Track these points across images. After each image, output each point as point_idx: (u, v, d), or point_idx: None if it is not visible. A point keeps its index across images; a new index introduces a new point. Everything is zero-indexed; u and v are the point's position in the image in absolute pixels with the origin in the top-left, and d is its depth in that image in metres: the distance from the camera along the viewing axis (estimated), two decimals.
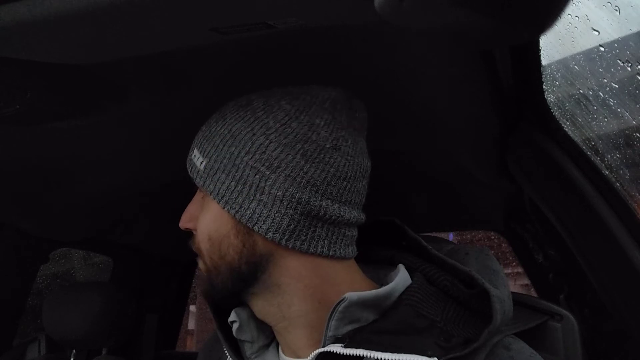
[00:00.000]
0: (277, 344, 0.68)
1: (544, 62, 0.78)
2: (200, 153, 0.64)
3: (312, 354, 0.59)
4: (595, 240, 0.81)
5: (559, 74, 0.93)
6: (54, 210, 1.26)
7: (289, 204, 0.59)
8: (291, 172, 0.59)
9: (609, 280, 0.81)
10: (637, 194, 0.85)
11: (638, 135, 0.94)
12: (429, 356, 0.54)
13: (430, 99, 0.85)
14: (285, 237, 0.59)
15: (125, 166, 1.11)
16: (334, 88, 0.66)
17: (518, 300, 0.66)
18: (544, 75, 0.81)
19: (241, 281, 0.62)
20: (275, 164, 0.59)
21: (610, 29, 0.84)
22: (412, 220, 0.76)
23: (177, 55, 0.64)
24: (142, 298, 1.76)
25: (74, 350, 1.38)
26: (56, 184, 1.15)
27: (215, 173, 0.62)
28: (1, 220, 1.29)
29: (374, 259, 0.70)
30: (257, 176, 0.60)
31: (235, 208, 0.60)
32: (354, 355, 0.56)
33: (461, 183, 1.24)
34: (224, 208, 0.61)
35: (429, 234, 0.77)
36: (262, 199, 0.59)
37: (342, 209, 0.61)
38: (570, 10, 0.41)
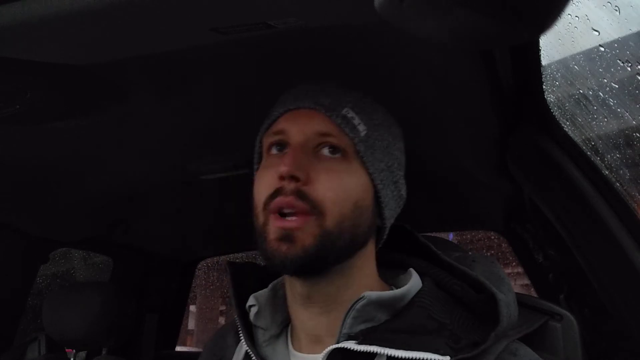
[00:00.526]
0: (286, 337, 0.69)
1: (544, 62, 0.77)
2: (360, 119, 0.64)
3: (325, 350, 0.60)
4: (595, 240, 0.81)
5: (559, 74, 0.93)
6: (54, 210, 1.26)
7: (401, 202, 0.69)
8: (404, 178, 0.70)
9: (609, 280, 0.81)
10: (637, 194, 0.85)
11: (638, 135, 0.95)
12: (442, 354, 0.55)
13: (430, 99, 0.85)
14: (387, 228, 0.67)
15: (125, 166, 1.11)
16: None
17: (518, 301, 0.66)
18: (544, 75, 0.81)
19: (349, 251, 0.63)
20: (403, 170, 0.70)
21: (610, 29, 0.84)
22: (413, 220, 0.76)
23: (177, 55, 0.64)
24: (142, 298, 1.76)
25: (74, 350, 1.38)
26: (56, 184, 1.15)
27: (376, 149, 0.65)
28: (1, 220, 1.29)
29: (383, 261, 0.71)
30: (397, 171, 0.68)
31: (383, 188, 0.65)
32: (367, 352, 0.57)
33: (461, 183, 1.24)
34: (369, 184, 0.64)
35: (429, 234, 0.77)
36: (394, 192, 0.67)
37: None
38: (570, 10, 0.41)
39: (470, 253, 0.74)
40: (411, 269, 0.67)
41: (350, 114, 0.63)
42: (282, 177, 0.59)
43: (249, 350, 0.66)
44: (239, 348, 0.70)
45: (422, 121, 0.93)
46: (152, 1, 0.49)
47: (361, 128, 0.63)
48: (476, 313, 0.62)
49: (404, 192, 0.70)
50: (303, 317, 0.66)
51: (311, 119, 0.63)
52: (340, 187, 0.61)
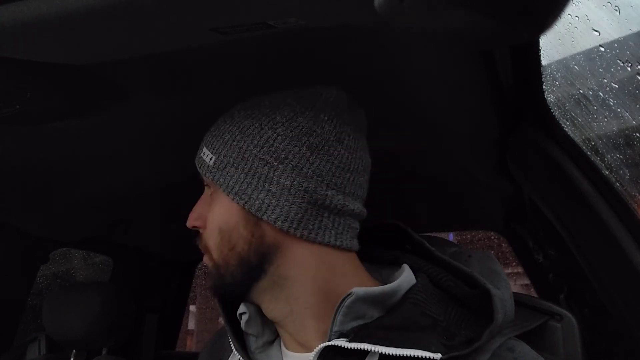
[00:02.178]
0: (280, 340, 0.69)
1: (544, 62, 0.77)
2: (210, 150, 0.66)
3: (317, 348, 0.59)
4: (595, 240, 0.81)
5: (559, 74, 0.93)
6: (54, 210, 1.26)
7: (296, 192, 0.61)
8: (298, 162, 0.62)
9: (609, 280, 0.81)
10: (637, 194, 0.85)
11: (638, 135, 0.94)
12: (433, 352, 0.54)
13: (430, 100, 0.85)
14: (294, 226, 0.62)
15: (125, 166, 1.11)
16: (336, 88, 0.69)
17: (518, 301, 0.66)
18: (544, 75, 0.81)
19: (250, 272, 0.63)
20: (283, 156, 0.62)
21: (610, 29, 0.84)
22: (413, 221, 0.76)
23: (177, 56, 0.64)
24: (142, 298, 1.75)
25: (74, 350, 1.38)
26: (56, 184, 1.15)
27: (225, 167, 0.64)
28: (1, 220, 1.29)
29: (378, 260, 0.71)
30: (265, 167, 0.62)
31: (244, 199, 0.62)
32: (359, 350, 0.57)
33: (461, 183, 1.24)
34: (233, 199, 0.63)
35: (429, 234, 0.77)
36: (271, 189, 0.62)
37: (346, 200, 0.64)
38: (570, 10, 0.41)
39: (465, 249, 0.73)
40: (405, 265, 0.66)
41: (203, 152, 0.68)
42: None
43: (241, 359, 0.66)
44: (233, 354, 0.69)
45: (422, 122, 0.93)
46: (152, 1, 0.49)
47: (208, 158, 0.66)
48: (471, 309, 0.61)
49: (289, 181, 0.61)
50: (282, 328, 0.67)
51: None
52: (208, 223, 0.66)
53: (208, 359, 0.79)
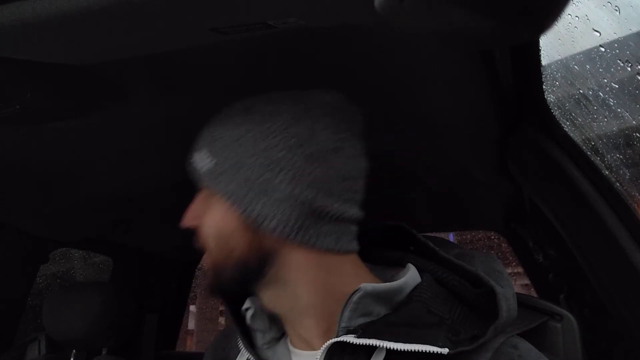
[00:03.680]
0: (287, 337, 0.69)
1: (544, 62, 0.78)
2: (205, 154, 0.65)
3: (325, 344, 0.59)
4: (595, 240, 0.81)
5: (559, 74, 0.93)
6: (54, 210, 1.26)
7: (294, 203, 0.61)
8: (296, 172, 0.61)
9: (609, 280, 0.81)
10: (637, 194, 0.85)
11: (638, 135, 0.95)
12: (440, 347, 0.55)
13: (430, 99, 0.85)
14: (293, 234, 0.61)
15: (125, 166, 1.11)
16: (332, 92, 0.68)
17: (518, 300, 0.66)
18: (544, 75, 0.81)
19: (249, 275, 0.64)
20: (280, 166, 0.61)
21: (610, 29, 0.85)
22: (413, 221, 0.76)
23: (177, 56, 0.64)
24: (142, 298, 1.76)
25: (74, 350, 1.38)
26: (56, 184, 1.15)
27: (222, 174, 0.63)
28: (1, 220, 1.29)
29: (381, 260, 0.71)
30: (263, 177, 0.61)
31: (242, 207, 0.62)
32: (366, 346, 0.57)
33: (461, 183, 1.24)
34: (231, 207, 0.62)
35: (430, 234, 0.77)
36: (269, 199, 0.61)
37: (344, 207, 0.63)
38: (570, 10, 0.41)
39: (469, 250, 0.74)
40: (410, 264, 0.67)
41: (197, 156, 0.66)
42: None
43: (250, 358, 0.67)
44: (242, 352, 0.70)
45: (422, 121, 0.93)
46: (152, 1, 0.49)
47: (205, 162, 0.64)
48: (475, 308, 0.62)
49: (288, 190, 0.61)
50: (287, 323, 0.67)
51: None
52: (205, 227, 0.66)
53: (212, 358, 0.79)
